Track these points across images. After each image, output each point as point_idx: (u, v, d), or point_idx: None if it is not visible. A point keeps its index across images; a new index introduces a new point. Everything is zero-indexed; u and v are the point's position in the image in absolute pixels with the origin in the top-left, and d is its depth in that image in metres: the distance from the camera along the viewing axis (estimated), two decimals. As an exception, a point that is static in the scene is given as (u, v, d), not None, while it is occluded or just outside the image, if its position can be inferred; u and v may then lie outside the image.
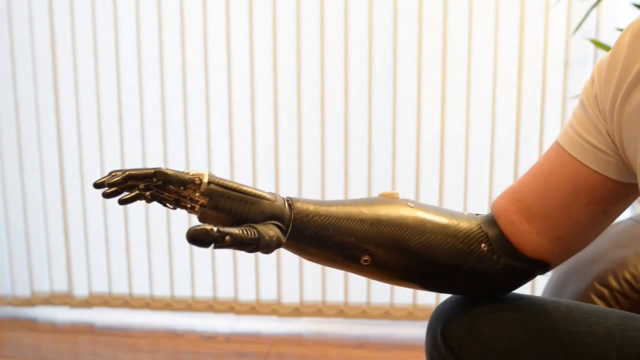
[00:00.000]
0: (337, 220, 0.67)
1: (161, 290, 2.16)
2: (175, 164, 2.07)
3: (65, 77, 2.07)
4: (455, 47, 1.92)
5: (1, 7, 2.05)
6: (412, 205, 0.70)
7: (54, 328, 2.16)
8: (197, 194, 0.62)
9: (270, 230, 0.61)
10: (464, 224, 0.70)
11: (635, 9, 1.75)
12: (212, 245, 0.56)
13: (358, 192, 2.02)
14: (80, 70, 2.06)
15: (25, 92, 2.09)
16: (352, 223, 0.67)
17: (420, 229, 0.68)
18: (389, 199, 0.71)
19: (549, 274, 2.00)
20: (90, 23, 2.03)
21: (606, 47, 1.71)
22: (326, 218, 0.66)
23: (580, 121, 0.66)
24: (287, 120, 2.01)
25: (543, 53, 1.89)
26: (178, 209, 0.64)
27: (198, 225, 0.55)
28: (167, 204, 0.63)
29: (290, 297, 2.10)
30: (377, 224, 0.67)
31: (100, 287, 2.18)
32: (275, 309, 2.11)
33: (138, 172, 0.61)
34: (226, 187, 0.63)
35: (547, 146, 1.94)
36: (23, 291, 2.21)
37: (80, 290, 2.19)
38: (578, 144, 0.66)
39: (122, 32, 2.02)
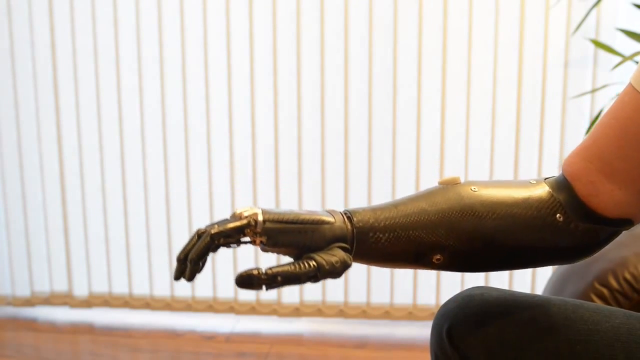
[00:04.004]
0: (401, 227, 0.63)
1: (161, 290, 2.15)
2: (176, 164, 2.07)
3: (65, 77, 2.07)
4: (455, 47, 1.92)
5: (1, 7, 2.05)
6: (476, 189, 0.67)
7: (54, 328, 2.16)
8: (255, 234, 0.60)
9: (333, 257, 0.59)
10: (534, 196, 0.66)
11: (635, 9, 1.75)
12: (265, 287, 0.55)
13: (358, 192, 2.02)
14: (80, 70, 2.06)
15: (25, 92, 2.09)
16: (417, 226, 0.64)
17: (489, 214, 0.65)
18: (449, 186, 0.68)
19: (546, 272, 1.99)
20: (90, 23, 2.03)
21: (606, 47, 1.71)
22: (389, 227, 0.63)
23: None
24: (287, 120, 2.01)
25: (543, 53, 1.89)
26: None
27: (245, 271, 0.55)
28: (229, 246, 0.61)
29: (290, 297, 2.10)
30: (443, 220, 0.64)
31: (100, 287, 2.18)
32: (275, 309, 2.11)
33: (198, 250, 0.59)
34: (282, 222, 0.60)
35: (547, 146, 1.95)
36: (23, 291, 2.21)
37: (80, 290, 2.19)
38: None
39: (122, 32, 2.02)
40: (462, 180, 0.69)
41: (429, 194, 0.67)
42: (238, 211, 0.61)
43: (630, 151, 0.63)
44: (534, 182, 0.68)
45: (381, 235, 0.63)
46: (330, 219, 0.62)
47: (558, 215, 0.65)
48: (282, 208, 0.63)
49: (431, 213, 0.64)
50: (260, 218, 0.60)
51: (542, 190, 0.66)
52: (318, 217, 0.62)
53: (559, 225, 0.65)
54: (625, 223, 0.66)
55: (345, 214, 0.64)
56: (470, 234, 0.64)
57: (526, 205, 0.65)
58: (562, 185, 0.67)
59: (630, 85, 0.63)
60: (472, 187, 0.67)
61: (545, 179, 0.69)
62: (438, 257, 0.64)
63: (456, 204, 0.65)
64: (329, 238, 0.61)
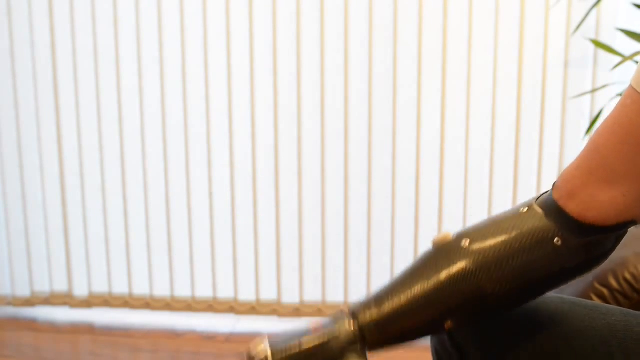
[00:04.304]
0: (406, 313, 0.65)
1: (161, 290, 2.16)
2: (176, 164, 2.07)
3: (65, 77, 2.07)
4: (455, 47, 1.92)
5: (1, 7, 2.05)
6: (467, 243, 0.65)
7: (54, 328, 2.16)
8: None
9: None
10: (529, 228, 0.64)
11: (636, 9, 1.75)
12: None
13: (358, 192, 2.02)
14: (80, 70, 2.06)
15: (25, 92, 2.09)
16: (421, 306, 0.64)
17: (487, 270, 0.64)
18: (442, 248, 0.66)
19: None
20: (90, 23, 2.03)
21: (606, 47, 1.71)
22: (394, 317, 0.65)
23: None
24: (287, 120, 2.01)
25: (543, 53, 1.89)
26: None
27: None
28: None
29: (290, 297, 2.10)
30: (443, 292, 0.64)
31: (100, 287, 2.18)
32: (275, 309, 2.11)
33: None
34: (293, 356, 0.64)
35: (547, 146, 1.95)
36: (23, 291, 2.21)
37: (80, 290, 2.19)
38: None
39: (122, 32, 2.02)
40: (456, 231, 0.68)
41: (424, 265, 0.67)
42: (252, 353, 0.64)
43: (633, 156, 0.61)
44: (525, 209, 0.66)
45: (389, 328, 0.65)
46: (334, 331, 0.66)
47: (556, 239, 0.63)
48: (288, 333, 0.67)
49: (431, 290, 0.64)
50: (270, 358, 0.63)
51: (535, 219, 0.65)
52: (322, 339, 0.65)
53: (560, 249, 0.63)
54: (629, 224, 0.65)
55: (351, 313, 0.67)
56: (474, 294, 0.64)
57: (522, 240, 0.64)
58: (552, 207, 0.64)
59: (631, 87, 0.62)
60: (463, 242, 0.65)
61: (538, 197, 0.67)
62: (449, 324, 0.65)
63: (454, 269, 0.64)
64: (339, 350, 0.65)
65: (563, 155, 1.94)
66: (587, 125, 1.90)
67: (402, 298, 0.65)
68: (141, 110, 2.06)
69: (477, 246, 0.64)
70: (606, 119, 0.64)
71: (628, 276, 1.08)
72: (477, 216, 2.00)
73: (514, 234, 0.64)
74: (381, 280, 2.06)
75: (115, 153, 2.09)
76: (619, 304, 1.06)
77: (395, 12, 1.92)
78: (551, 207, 0.64)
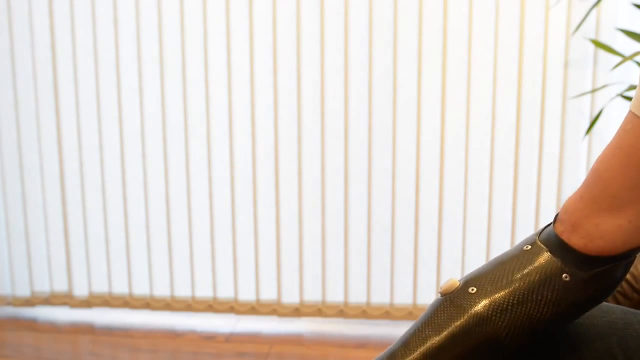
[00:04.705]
0: None
1: (161, 290, 2.16)
2: (176, 164, 2.07)
3: (65, 77, 2.07)
4: (455, 47, 1.92)
5: (1, 7, 2.05)
6: (474, 290, 0.65)
7: (54, 328, 2.16)
8: None
9: None
10: (533, 268, 0.63)
11: (635, 9, 1.75)
12: None
13: (358, 192, 2.02)
14: (80, 70, 2.06)
15: (25, 92, 2.09)
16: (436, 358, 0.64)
17: (497, 315, 0.63)
18: (450, 298, 0.66)
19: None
20: (90, 23, 2.03)
21: (606, 47, 1.71)
22: None
23: None
24: (287, 120, 2.02)
25: (543, 53, 1.89)
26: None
27: None
28: None
29: (290, 297, 2.10)
30: (458, 343, 0.64)
31: (100, 287, 2.18)
32: (275, 309, 2.11)
33: None
34: None
35: (547, 146, 1.95)
36: (23, 291, 2.21)
37: (80, 290, 2.19)
38: None
39: (122, 32, 2.02)
40: (460, 275, 0.68)
41: (435, 317, 0.66)
42: None
43: (637, 179, 0.60)
44: (529, 247, 0.65)
45: None
46: None
47: (564, 275, 0.62)
48: None
49: (444, 341, 0.64)
50: None
51: (540, 256, 0.64)
52: None
53: (569, 284, 0.63)
54: (637, 250, 0.64)
55: None
56: (487, 340, 0.63)
57: (530, 280, 0.63)
58: (556, 242, 0.64)
59: (631, 112, 0.61)
60: (470, 289, 0.65)
61: (540, 232, 0.66)
62: None
63: (464, 318, 0.64)
64: None
65: (563, 156, 1.94)
66: (587, 125, 1.90)
67: (415, 354, 0.64)
68: (141, 110, 2.06)
69: (485, 292, 0.64)
70: (607, 146, 0.63)
71: (628, 276, 1.07)
72: (477, 216, 2.00)
73: (520, 274, 0.64)
74: (381, 280, 2.06)
75: (115, 153, 2.09)
76: (618, 304, 1.06)
77: (395, 12, 1.92)
78: (555, 242, 0.64)
